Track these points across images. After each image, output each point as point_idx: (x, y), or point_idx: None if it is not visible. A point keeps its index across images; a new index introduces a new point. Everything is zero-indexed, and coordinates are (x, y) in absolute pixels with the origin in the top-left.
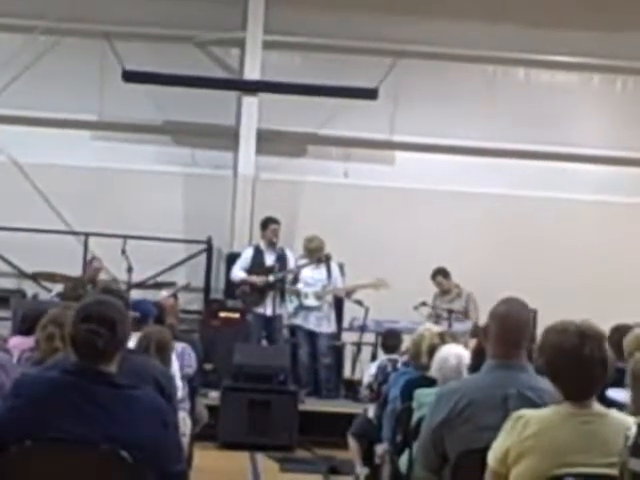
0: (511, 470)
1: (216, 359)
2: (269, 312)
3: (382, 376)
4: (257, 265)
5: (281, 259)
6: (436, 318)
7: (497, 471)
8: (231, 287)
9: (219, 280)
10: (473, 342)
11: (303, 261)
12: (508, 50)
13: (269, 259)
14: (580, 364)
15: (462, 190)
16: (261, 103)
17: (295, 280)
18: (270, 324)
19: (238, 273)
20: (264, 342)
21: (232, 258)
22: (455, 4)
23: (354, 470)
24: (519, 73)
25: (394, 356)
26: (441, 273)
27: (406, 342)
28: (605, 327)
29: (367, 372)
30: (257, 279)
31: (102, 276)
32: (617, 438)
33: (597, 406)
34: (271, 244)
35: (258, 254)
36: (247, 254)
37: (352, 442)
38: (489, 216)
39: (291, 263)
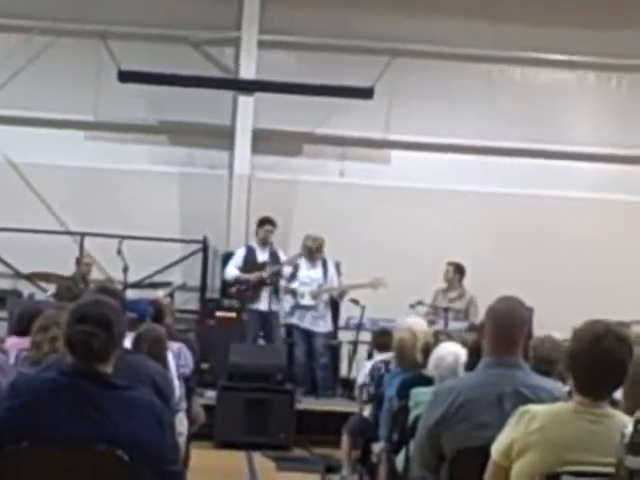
0: (514, 464)
1: (212, 358)
2: (263, 307)
3: (376, 378)
4: (250, 263)
5: (273, 257)
6: (433, 316)
7: (500, 464)
8: (227, 286)
9: (215, 280)
10: (471, 336)
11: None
12: (504, 48)
13: (261, 256)
14: (596, 356)
15: (458, 189)
16: (257, 102)
17: (292, 277)
18: (266, 321)
19: (231, 271)
20: (261, 340)
21: (228, 258)
22: (450, 3)
23: (340, 470)
24: (515, 71)
25: (387, 356)
26: (455, 266)
27: None
28: None
29: (362, 371)
30: (250, 275)
31: (96, 274)
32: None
33: (607, 407)
34: (264, 243)
35: (250, 252)
36: (239, 253)
37: (345, 441)
38: (486, 214)
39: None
